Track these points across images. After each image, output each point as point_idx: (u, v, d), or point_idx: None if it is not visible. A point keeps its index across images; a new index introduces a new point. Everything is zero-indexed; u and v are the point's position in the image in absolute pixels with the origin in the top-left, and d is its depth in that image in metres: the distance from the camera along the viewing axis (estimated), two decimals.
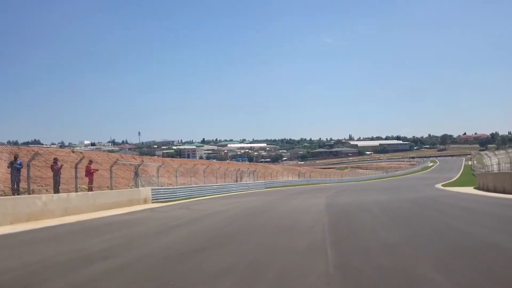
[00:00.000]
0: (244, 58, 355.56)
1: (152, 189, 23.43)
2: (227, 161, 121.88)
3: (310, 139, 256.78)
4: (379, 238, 8.08)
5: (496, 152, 27.97)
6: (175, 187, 27.32)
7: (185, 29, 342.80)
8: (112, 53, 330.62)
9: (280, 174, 60.13)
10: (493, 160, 29.64)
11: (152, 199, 23.19)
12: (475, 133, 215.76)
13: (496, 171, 27.75)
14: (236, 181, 38.83)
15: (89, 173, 19.54)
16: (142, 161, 24.10)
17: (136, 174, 22.49)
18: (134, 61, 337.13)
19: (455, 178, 68.10)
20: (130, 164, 27.25)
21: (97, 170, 20.49)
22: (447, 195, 23.49)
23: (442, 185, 43.02)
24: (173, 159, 50.97)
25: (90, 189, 19.31)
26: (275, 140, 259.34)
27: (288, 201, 21.51)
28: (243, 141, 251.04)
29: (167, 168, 39.52)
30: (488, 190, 26.82)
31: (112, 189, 20.34)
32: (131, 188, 22.52)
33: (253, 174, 43.48)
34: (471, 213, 12.79)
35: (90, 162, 20.27)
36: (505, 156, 26.56)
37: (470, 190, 30.34)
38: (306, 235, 8.66)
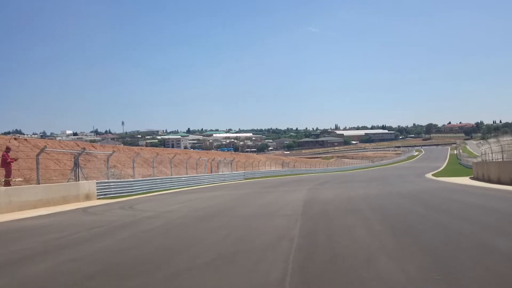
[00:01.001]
0: (231, 49, 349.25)
1: (98, 183, 19.33)
2: (213, 150, 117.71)
3: (296, 128, 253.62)
4: (385, 282, 4.25)
5: (500, 139, 24.48)
6: (131, 180, 23.22)
7: (171, 21, 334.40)
8: (97, 43, 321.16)
9: (262, 164, 56.35)
10: (494, 147, 26.18)
11: (99, 195, 19.13)
12: (460, 123, 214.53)
13: (499, 160, 24.29)
14: (211, 172, 34.85)
15: (5, 163, 15.36)
16: (84, 148, 19.96)
17: (76, 165, 18.34)
18: (118, 51, 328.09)
19: (442, 167, 65.70)
20: (64, 153, 22.94)
21: (15, 159, 16.29)
22: (446, 188, 19.96)
23: (433, 175, 39.90)
24: (141, 147, 46.57)
25: (7, 183, 15.16)
26: (261, 130, 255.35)
27: (260, 197, 17.70)
28: (229, 131, 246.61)
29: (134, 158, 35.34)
30: (489, 181, 23.43)
31: (39, 183, 16.19)
32: (68, 181, 18.38)
33: (231, 164, 39.51)
34: (500, 217, 9.07)
35: (8, 149, 16.04)
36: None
37: (467, 180, 27.03)
38: (251, 275, 4.79)
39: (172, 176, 27.55)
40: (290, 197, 16.48)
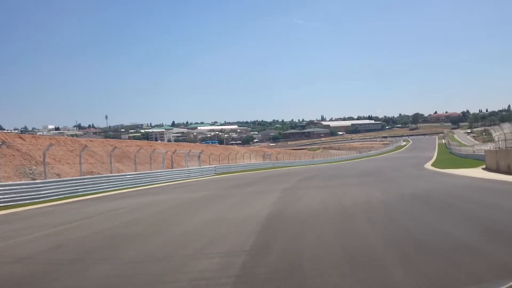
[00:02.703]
0: (216, 41, 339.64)
1: None
2: (197, 143, 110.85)
3: (282, 120, 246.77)
4: None
5: None
6: (38, 181, 16.56)
7: (154, 12, 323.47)
8: (79, 34, 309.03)
9: (241, 157, 49.98)
10: None
11: None
12: (446, 112, 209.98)
13: None
14: (171, 167, 28.33)
15: None
16: None
17: None
18: (101, 42, 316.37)
19: (434, 157, 60.62)
20: None
21: None
22: (482, 188, 13.90)
23: (433, 166, 34.22)
24: (92, 139, 39.74)
25: None
26: (247, 122, 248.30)
27: (208, 207, 11.40)
28: (214, 123, 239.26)
29: (77, 152, 28.64)
30: None
31: None
32: None
33: (199, 157, 32.98)
34: None
35: None
36: None
37: (484, 173, 21.27)
38: None
39: (111, 175, 20.93)
40: (250, 209, 10.21)
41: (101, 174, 23.74)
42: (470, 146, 65.62)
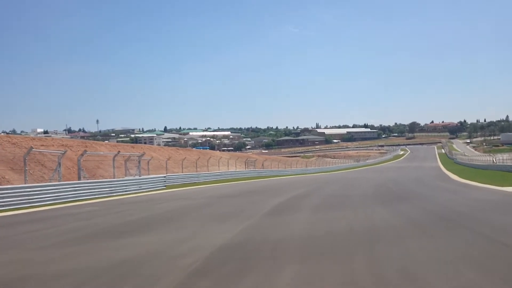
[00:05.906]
0: (211, 48, 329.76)
1: None
2: (188, 148, 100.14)
3: (277, 127, 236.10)
4: None
5: None
6: None
7: (145, 15, 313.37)
8: (72, 36, 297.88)
9: (214, 163, 39.00)
10: None
11: None
12: (443, 122, 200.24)
13: None
14: (79, 178, 17.09)
15: None
16: None
17: None
18: (95, 45, 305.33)
19: (442, 167, 50.80)
20: None
21: None
22: None
23: (472, 181, 23.77)
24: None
25: None
26: (240, 129, 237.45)
27: None
28: (207, 129, 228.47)
29: None
30: None
31: None
32: None
33: (139, 162, 21.71)
34: None
35: None
36: None
37: None
38: None
39: None
40: None
41: None
42: (488, 155, 55.74)
